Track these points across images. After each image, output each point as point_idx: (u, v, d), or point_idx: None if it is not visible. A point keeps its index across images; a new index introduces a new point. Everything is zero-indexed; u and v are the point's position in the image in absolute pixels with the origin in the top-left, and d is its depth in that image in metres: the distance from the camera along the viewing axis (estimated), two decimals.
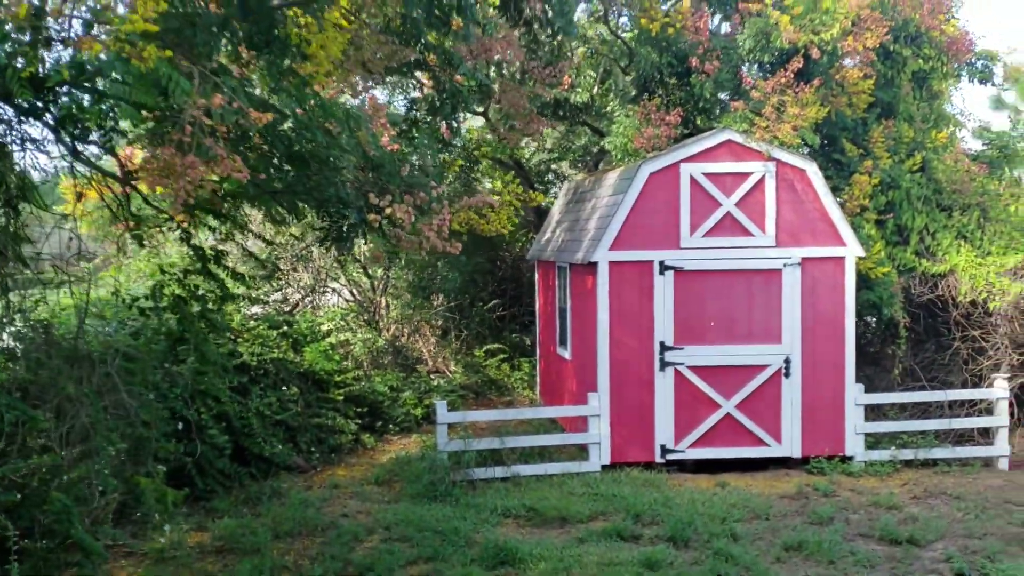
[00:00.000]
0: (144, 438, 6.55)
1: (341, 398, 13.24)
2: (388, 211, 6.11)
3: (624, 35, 15.56)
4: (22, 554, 5.98)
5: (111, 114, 5.27)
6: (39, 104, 5.21)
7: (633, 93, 13.28)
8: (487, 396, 16.35)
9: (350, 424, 12.96)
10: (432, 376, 16.30)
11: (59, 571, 6.34)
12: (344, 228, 6.34)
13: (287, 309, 16.45)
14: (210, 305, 6.84)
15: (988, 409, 12.04)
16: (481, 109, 14.33)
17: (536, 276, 15.72)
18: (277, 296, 16.97)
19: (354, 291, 18.29)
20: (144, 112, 5.22)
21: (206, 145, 4.67)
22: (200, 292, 6.78)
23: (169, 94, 4.64)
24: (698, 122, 12.50)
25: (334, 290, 19.13)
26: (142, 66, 4.73)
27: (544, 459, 11.47)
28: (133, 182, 6.42)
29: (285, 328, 13.32)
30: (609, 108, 13.89)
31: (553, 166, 19.97)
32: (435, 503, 10.21)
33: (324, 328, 14.79)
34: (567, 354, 13.16)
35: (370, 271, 17.97)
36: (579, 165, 19.52)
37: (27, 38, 5.16)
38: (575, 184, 14.85)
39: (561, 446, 11.79)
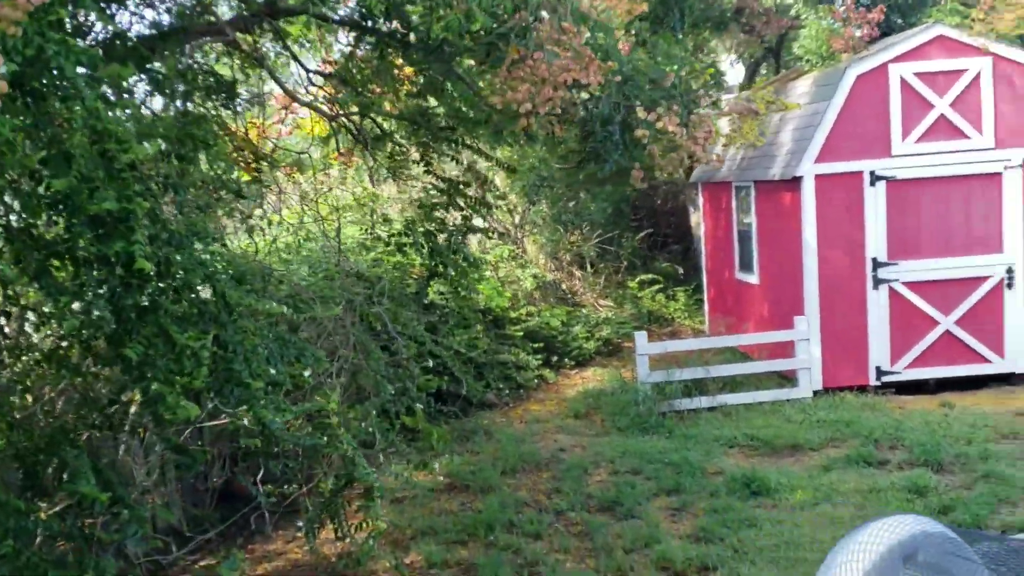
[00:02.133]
0: (408, 376, 6.31)
1: (520, 334, 12.97)
2: (660, 124, 5.62)
3: None
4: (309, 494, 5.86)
5: None
6: None
7: None
8: (649, 329, 15.90)
9: (532, 360, 12.70)
10: (583, 310, 15.88)
11: (343, 509, 6.17)
12: (607, 146, 5.89)
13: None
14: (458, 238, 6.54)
15: None
16: None
17: (701, 200, 15.07)
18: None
19: (498, 228, 17.93)
20: None
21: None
22: (450, 226, 6.47)
23: None
24: (900, 22, 11.56)
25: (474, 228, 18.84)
26: None
27: (748, 388, 10.99)
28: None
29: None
30: (794, 11, 13.00)
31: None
32: (647, 435, 9.86)
33: (491, 264, 14.50)
34: (753, 279, 12.56)
35: (510, 207, 17.52)
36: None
37: None
38: (746, 96, 14.06)
39: (767, 373, 11.26)
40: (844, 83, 10.35)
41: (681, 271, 17.55)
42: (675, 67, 6.26)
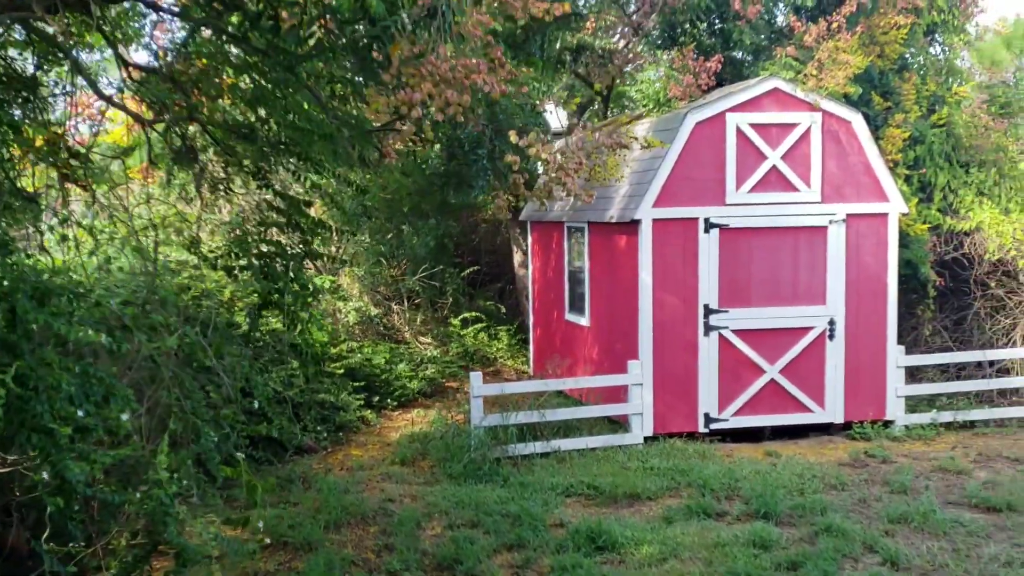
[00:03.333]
0: (231, 419, 5.47)
1: (341, 372, 12.14)
2: (532, 151, 5.16)
3: None
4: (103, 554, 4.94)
5: None
6: None
7: (659, 41, 12.46)
8: (472, 369, 15.40)
9: (353, 400, 11.91)
10: (406, 347, 15.22)
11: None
12: (474, 171, 5.37)
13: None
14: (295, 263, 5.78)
15: (1006, 369, 11.89)
16: None
17: (530, 239, 14.84)
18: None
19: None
20: None
21: None
22: (288, 248, 5.71)
23: None
24: (733, 72, 11.79)
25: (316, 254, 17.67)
26: None
27: (581, 433, 10.68)
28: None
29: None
30: (632, 53, 13.02)
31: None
32: (481, 483, 9.32)
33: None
34: (584, 320, 12.36)
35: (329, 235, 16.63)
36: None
37: None
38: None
39: (599, 418, 11.01)
40: (684, 129, 10.37)
41: (503, 310, 17.23)
42: (543, 93, 5.86)
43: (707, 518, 8.21)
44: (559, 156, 5.24)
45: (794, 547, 7.44)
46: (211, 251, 5.61)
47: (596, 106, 16.97)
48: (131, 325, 4.32)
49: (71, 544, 6.79)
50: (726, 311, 10.64)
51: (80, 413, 4.15)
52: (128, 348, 4.14)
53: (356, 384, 12.35)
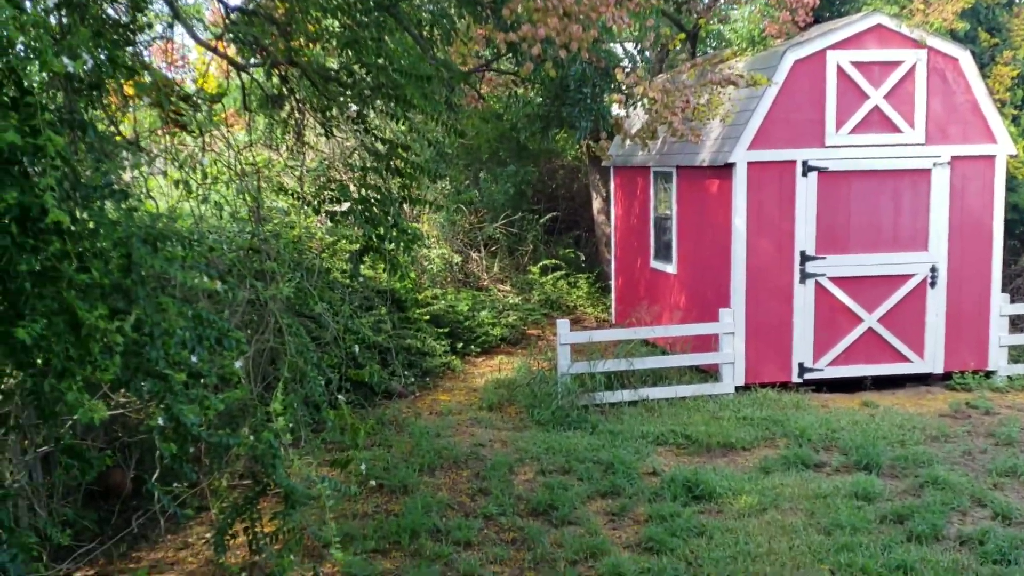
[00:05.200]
0: (334, 364, 5.45)
1: (426, 318, 12.16)
2: (639, 89, 4.96)
3: None
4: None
5: None
6: None
7: None
8: (553, 316, 15.30)
9: (438, 346, 11.93)
10: (485, 294, 15.15)
11: (257, 516, 5.28)
12: (578, 111, 5.19)
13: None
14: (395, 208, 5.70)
15: None
16: None
17: (612, 185, 14.57)
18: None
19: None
20: None
21: None
22: (390, 193, 5.63)
23: None
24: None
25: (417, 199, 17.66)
26: None
27: (670, 382, 10.53)
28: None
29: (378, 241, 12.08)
30: None
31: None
32: (570, 430, 9.27)
33: None
34: (670, 268, 12.13)
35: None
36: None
37: None
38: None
39: (689, 367, 10.83)
40: (782, 67, 9.97)
41: (583, 258, 17.06)
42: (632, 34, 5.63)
43: (805, 469, 8.04)
44: (664, 95, 5.03)
45: (899, 499, 7.24)
46: (313, 195, 5.56)
47: (679, 47, 16.51)
48: (244, 272, 4.29)
49: (175, 485, 6.96)
50: (823, 258, 10.32)
51: (194, 359, 4.14)
52: (242, 296, 4.11)
53: (440, 331, 12.37)
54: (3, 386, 3.96)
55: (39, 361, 3.48)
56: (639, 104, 5.11)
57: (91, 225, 3.54)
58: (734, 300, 10.30)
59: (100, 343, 3.40)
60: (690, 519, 6.83)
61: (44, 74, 3.25)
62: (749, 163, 10.08)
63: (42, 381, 3.50)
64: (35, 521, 5.14)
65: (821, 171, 10.15)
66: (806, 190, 10.18)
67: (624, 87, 4.92)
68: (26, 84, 2.86)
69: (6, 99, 3.12)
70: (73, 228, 3.39)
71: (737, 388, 10.37)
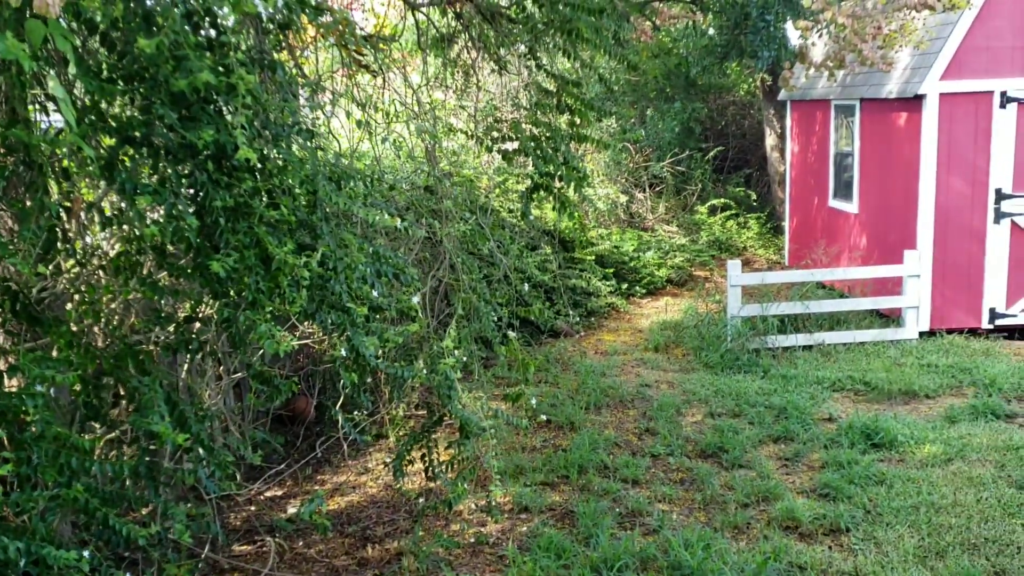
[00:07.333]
0: (505, 300, 5.52)
1: (591, 259, 12.13)
2: (828, 14, 4.68)
3: None
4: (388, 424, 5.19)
5: None
6: None
7: None
8: (720, 258, 14.95)
9: (603, 286, 11.90)
10: (651, 235, 14.91)
11: (432, 445, 5.46)
12: (760, 39, 4.95)
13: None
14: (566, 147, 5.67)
15: None
16: None
17: (788, 120, 13.96)
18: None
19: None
20: None
21: None
22: (561, 130, 5.60)
23: None
24: None
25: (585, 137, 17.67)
26: None
27: (847, 326, 10.12)
28: None
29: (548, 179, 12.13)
30: None
31: None
32: (739, 374, 9.08)
33: None
34: (851, 207, 11.57)
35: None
36: None
37: None
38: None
39: (868, 311, 10.37)
40: None
41: (754, 197, 16.50)
42: None
43: (995, 419, 7.58)
44: (854, 20, 4.71)
45: None
46: (483, 134, 5.58)
47: None
48: (421, 210, 4.37)
49: (355, 413, 7.28)
50: (1021, 196, 9.57)
51: (374, 293, 4.27)
52: (420, 233, 4.20)
53: (605, 271, 12.33)
54: (200, 314, 4.21)
55: (232, 293, 3.68)
56: (825, 31, 4.79)
57: (280, 163, 3.68)
58: (920, 241, 9.73)
59: (288, 277, 3.55)
60: (869, 467, 6.58)
61: (236, 15, 3.38)
62: (941, 94, 9.40)
63: (235, 311, 3.69)
64: (229, 441, 5.49)
65: (1021, 102, 9.36)
66: (1004, 123, 9.43)
67: (810, 13, 4.64)
68: (220, 24, 2.97)
69: (201, 39, 3.26)
70: (263, 166, 3.53)
71: (921, 334, 9.85)
